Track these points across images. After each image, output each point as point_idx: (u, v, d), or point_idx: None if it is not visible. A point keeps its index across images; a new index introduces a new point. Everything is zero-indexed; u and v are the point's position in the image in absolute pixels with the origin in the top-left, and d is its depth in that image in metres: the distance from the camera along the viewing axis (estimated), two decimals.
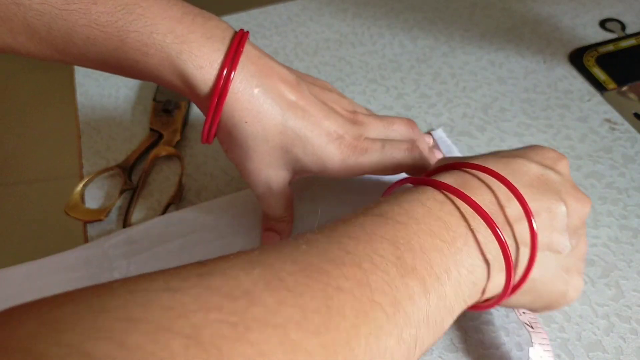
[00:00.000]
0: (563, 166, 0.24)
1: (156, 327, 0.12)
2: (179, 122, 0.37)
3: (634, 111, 0.37)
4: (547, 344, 0.25)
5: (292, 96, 0.25)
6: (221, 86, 0.23)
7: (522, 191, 0.21)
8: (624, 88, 0.39)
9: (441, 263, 0.19)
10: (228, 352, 0.12)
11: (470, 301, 0.20)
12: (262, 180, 0.26)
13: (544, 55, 0.41)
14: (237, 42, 0.24)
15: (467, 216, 0.20)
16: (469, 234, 0.20)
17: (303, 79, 0.27)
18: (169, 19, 0.23)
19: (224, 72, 0.23)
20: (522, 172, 0.22)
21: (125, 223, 0.32)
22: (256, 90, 0.24)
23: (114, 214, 0.33)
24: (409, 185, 0.22)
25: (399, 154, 0.27)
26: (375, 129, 0.28)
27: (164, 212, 0.33)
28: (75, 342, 0.11)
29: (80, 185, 0.34)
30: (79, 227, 0.33)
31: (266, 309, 0.14)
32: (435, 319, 0.18)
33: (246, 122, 0.24)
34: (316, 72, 0.41)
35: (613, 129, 0.36)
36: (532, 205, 0.21)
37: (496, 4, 0.46)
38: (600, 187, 0.33)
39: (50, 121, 1.22)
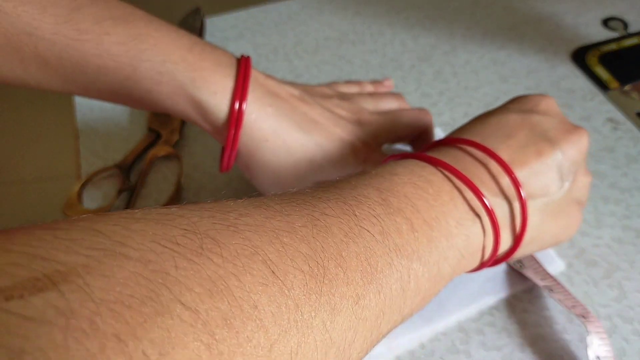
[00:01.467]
0: (546, 105, 0.24)
1: (156, 222, 0.13)
2: (177, 121, 0.37)
3: (636, 110, 0.37)
4: (603, 332, 0.25)
5: (302, 109, 0.26)
6: (237, 109, 0.24)
7: (502, 145, 0.22)
8: (627, 87, 0.38)
9: (427, 210, 0.19)
10: (222, 241, 0.13)
11: (468, 255, 0.20)
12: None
13: (546, 54, 0.41)
14: (244, 67, 0.25)
15: (452, 179, 0.21)
16: (454, 191, 0.20)
17: (306, 91, 0.28)
18: (180, 48, 0.24)
19: (238, 96, 0.24)
20: (500, 126, 0.23)
21: None
22: (270, 109, 0.25)
23: None
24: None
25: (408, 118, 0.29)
26: (381, 126, 0.29)
27: None
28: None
29: (78, 186, 0.34)
30: None
31: (255, 220, 0.15)
32: (427, 259, 0.18)
33: (267, 141, 0.25)
34: (316, 70, 0.41)
35: (616, 128, 0.36)
36: (516, 156, 0.22)
37: (498, 2, 0.45)
38: (603, 187, 0.33)
39: (48, 121, 1.21)
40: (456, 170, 0.20)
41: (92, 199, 0.34)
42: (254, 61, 0.42)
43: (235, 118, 0.24)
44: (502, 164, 0.21)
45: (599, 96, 0.38)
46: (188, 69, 0.24)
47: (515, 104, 0.24)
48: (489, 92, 0.39)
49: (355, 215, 0.17)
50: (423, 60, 0.41)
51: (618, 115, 0.37)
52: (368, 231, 0.17)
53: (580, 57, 0.41)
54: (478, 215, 0.21)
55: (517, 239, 0.22)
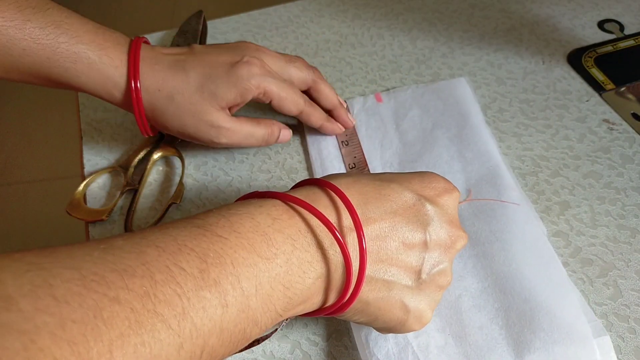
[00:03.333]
0: (447, 200, 0.24)
1: None
2: None
3: (632, 111, 0.38)
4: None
5: (185, 56, 0.31)
6: (133, 72, 0.29)
7: (377, 218, 0.21)
8: (622, 88, 0.39)
9: (252, 277, 0.19)
10: None
11: (286, 314, 0.20)
12: (208, 128, 0.31)
13: (543, 56, 0.42)
14: (136, 41, 0.30)
15: (298, 234, 0.20)
16: (294, 252, 0.20)
17: (199, 47, 0.32)
18: (89, 32, 0.29)
19: (132, 63, 0.29)
20: (391, 199, 0.22)
21: (127, 223, 0.32)
22: (157, 67, 0.30)
23: (115, 214, 0.33)
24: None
25: (295, 97, 0.32)
26: (277, 62, 0.33)
27: (165, 212, 0.33)
28: None
29: (82, 186, 0.34)
30: (80, 227, 0.34)
31: (19, 315, 0.14)
32: (232, 330, 0.18)
33: (159, 90, 0.30)
34: None
35: (611, 129, 0.37)
36: (385, 232, 0.21)
37: (495, 5, 0.46)
38: (599, 187, 0.33)
39: (52, 122, 1.22)
40: (326, 220, 0.20)
41: (95, 199, 0.34)
42: None
43: (132, 84, 0.29)
44: (358, 227, 0.21)
45: (594, 97, 0.39)
46: (97, 48, 0.29)
47: (422, 182, 0.24)
48: (486, 94, 0.39)
49: (155, 297, 0.16)
50: (421, 63, 0.42)
51: (614, 116, 0.37)
52: (162, 315, 0.16)
53: (577, 59, 0.41)
54: (313, 279, 0.20)
55: (344, 305, 0.21)
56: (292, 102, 0.32)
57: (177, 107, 0.30)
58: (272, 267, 0.19)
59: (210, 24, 0.45)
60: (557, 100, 0.39)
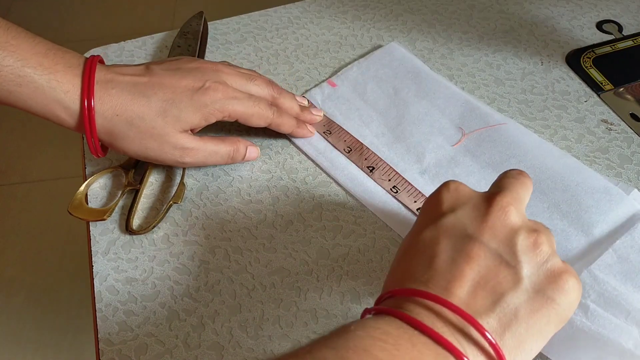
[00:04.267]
0: (450, 197, 0.22)
1: None
2: None
3: (630, 112, 0.38)
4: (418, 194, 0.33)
5: (143, 79, 0.30)
6: (86, 100, 0.29)
7: (428, 271, 0.20)
8: (621, 89, 0.39)
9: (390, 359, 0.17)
10: None
11: None
12: (172, 150, 0.31)
13: (542, 56, 0.42)
14: (90, 63, 0.30)
15: (406, 328, 0.19)
16: (414, 338, 0.18)
17: (156, 63, 0.32)
18: (37, 54, 0.28)
19: (85, 90, 0.29)
20: (419, 251, 0.21)
21: (128, 223, 0.33)
22: (113, 91, 0.29)
23: (116, 214, 0.34)
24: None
25: (263, 110, 0.32)
26: (237, 80, 0.32)
27: (166, 212, 0.33)
28: None
29: (84, 186, 0.35)
30: (82, 227, 0.34)
31: None
32: None
33: (117, 115, 0.29)
34: (316, 73, 0.42)
35: (610, 129, 0.37)
36: (446, 274, 0.20)
37: (494, 7, 0.46)
38: None
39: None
40: (452, 346, 0.18)
41: (97, 199, 0.35)
42: (256, 63, 0.43)
43: (85, 108, 0.29)
44: (477, 327, 0.19)
45: (593, 98, 0.39)
46: (44, 72, 0.28)
47: (422, 216, 0.23)
48: (485, 95, 0.39)
49: None
50: (426, 65, 0.42)
51: (612, 116, 0.38)
52: None
53: (575, 59, 0.41)
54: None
55: None
56: (260, 117, 0.33)
57: (138, 131, 0.30)
58: (405, 351, 0.18)
59: (211, 25, 0.46)
60: (555, 101, 0.39)
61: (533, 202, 0.31)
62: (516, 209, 0.21)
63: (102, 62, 0.31)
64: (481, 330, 0.19)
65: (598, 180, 0.32)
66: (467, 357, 0.18)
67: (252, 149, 0.35)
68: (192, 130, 0.32)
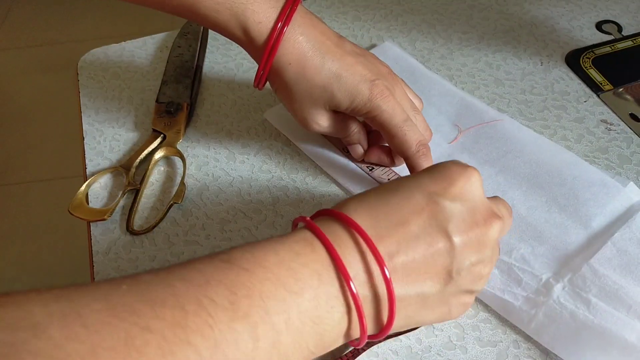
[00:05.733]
0: (462, 187, 0.22)
1: None
2: (182, 123, 0.38)
3: (630, 112, 0.38)
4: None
5: (331, 45, 0.30)
6: (275, 36, 0.28)
7: (391, 232, 0.21)
8: (620, 89, 0.39)
9: (281, 312, 0.18)
10: None
11: (318, 350, 0.20)
12: (309, 119, 0.31)
13: (541, 57, 0.42)
14: (291, 2, 0.29)
15: (322, 268, 0.20)
16: (320, 286, 0.19)
17: (348, 41, 0.31)
18: None
19: (278, 26, 0.28)
20: (398, 208, 0.21)
21: (128, 223, 0.33)
22: (300, 38, 0.29)
23: (117, 214, 0.34)
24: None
25: (413, 133, 0.30)
26: (403, 97, 0.31)
27: (167, 212, 0.33)
28: None
29: (84, 186, 0.35)
30: (82, 227, 0.34)
31: (49, 343, 0.14)
32: None
33: (290, 64, 0.29)
34: None
35: (609, 129, 0.37)
36: (401, 247, 0.21)
37: (494, 7, 0.46)
38: None
39: (54, 122, 1.22)
40: (341, 264, 0.20)
41: (97, 199, 0.35)
42: (255, 65, 0.42)
43: (271, 43, 0.28)
44: (378, 258, 0.20)
45: (592, 98, 0.39)
46: (241, 1, 0.28)
47: (432, 178, 0.23)
48: (485, 95, 0.40)
49: (187, 327, 0.16)
50: (420, 64, 0.42)
51: (612, 116, 0.38)
52: (195, 346, 0.16)
53: (575, 59, 0.41)
54: (345, 311, 0.20)
55: (382, 330, 0.21)
56: (401, 144, 0.30)
57: (296, 83, 0.29)
58: (301, 301, 0.19)
59: None
60: (555, 101, 0.39)
61: (531, 197, 0.32)
62: (497, 238, 0.23)
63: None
64: (373, 247, 0.20)
65: (594, 174, 0.32)
66: (340, 254, 0.20)
67: (359, 147, 0.33)
68: (334, 112, 0.31)
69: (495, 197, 0.26)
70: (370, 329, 0.21)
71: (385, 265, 0.20)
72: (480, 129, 0.36)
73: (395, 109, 0.29)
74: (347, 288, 0.20)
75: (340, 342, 0.21)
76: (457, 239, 0.21)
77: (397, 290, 0.21)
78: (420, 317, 0.23)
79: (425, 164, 0.30)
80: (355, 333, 0.21)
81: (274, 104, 0.39)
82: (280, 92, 0.31)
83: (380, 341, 0.24)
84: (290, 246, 0.20)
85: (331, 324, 0.20)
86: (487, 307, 0.28)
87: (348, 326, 0.20)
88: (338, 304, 0.20)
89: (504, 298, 0.28)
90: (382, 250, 0.21)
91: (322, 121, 0.31)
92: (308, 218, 0.22)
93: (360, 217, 0.21)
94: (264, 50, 0.29)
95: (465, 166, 0.23)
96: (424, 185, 0.22)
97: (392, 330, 0.22)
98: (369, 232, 0.21)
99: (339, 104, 0.30)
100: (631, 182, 0.32)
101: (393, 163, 0.34)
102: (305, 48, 0.29)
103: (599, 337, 0.25)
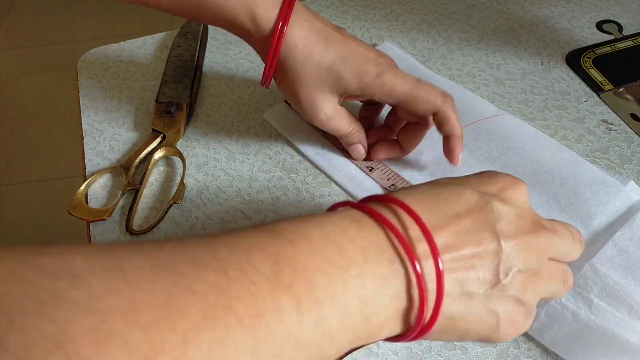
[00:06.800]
0: (513, 193, 0.22)
1: None
2: (181, 123, 0.38)
3: (630, 112, 0.38)
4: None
5: (332, 31, 0.31)
6: (283, 18, 0.29)
7: (444, 224, 0.20)
8: (621, 89, 0.39)
9: (326, 287, 0.17)
10: (20, 324, 0.12)
11: (364, 335, 0.19)
12: (316, 106, 0.31)
13: (542, 57, 0.42)
14: None
15: (370, 246, 0.19)
16: (367, 265, 0.18)
17: (343, 29, 0.32)
18: None
19: (285, 11, 0.29)
20: (452, 201, 0.21)
21: (128, 223, 0.33)
22: (305, 24, 0.30)
23: (116, 214, 0.34)
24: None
25: (431, 88, 0.30)
26: (406, 73, 0.31)
27: (167, 212, 0.33)
28: None
29: (84, 186, 0.35)
30: (82, 227, 0.34)
31: (89, 293, 0.14)
32: (307, 342, 0.17)
33: (296, 47, 0.30)
34: None
35: (610, 129, 0.37)
36: (453, 240, 0.20)
37: (494, 7, 0.46)
38: None
39: (54, 122, 1.22)
40: (405, 241, 0.19)
41: (97, 199, 0.35)
42: (256, 64, 0.42)
43: (278, 27, 0.29)
44: (432, 247, 0.19)
45: (593, 98, 0.39)
46: None
47: (481, 181, 0.22)
48: (485, 95, 0.39)
49: (230, 293, 0.15)
50: (420, 64, 0.42)
51: (612, 116, 0.38)
52: (236, 313, 0.15)
53: (575, 59, 0.41)
54: (389, 296, 0.19)
55: (426, 327, 0.20)
56: (426, 103, 0.30)
57: (302, 67, 0.30)
58: (346, 277, 0.18)
59: (211, 25, 0.46)
60: (555, 101, 0.39)
61: (532, 195, 0.31)
62: (548, 252, 0.22)
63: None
64: (430, 239, 0.19)
65: (595, 172, 0.32)
66: (409, 241, 0.19)
67: (361, 147, 0.34)
68: (345, 98, 0.32)
69: (552, 219, 0.24)
70: (413, 319, 0.20)
71: (440, 257, 0.19)
72: (481, 126, 0.35)
73: (404, 77, 0.31)
74: (399, 268, 0.19)
75: (385, 331, 0.19)
76: (504, 241, 0.21)
77: (446, 282, 0.20)
78: (465, 324, 0.20)
79: (455, 115, 0.31)
80: (401, 324, 0.20)
81: (274, 104, 0.39)
82: (285, 81, 0.31)
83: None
84: (335, 222, 0.19)
85: (378, 306, 0.18)
86: None
87: (395, 313, 0.19)
88: (386, 286, 0.19)
89: None
90: (436, 240, 0.20)
91: (328, 109, 0.31)
92: (354, 201, 0.21)
93: (410, 202, 0.20)
94: (272, 36, 0.29)
95: (512, 177, 0.23)
96: (474, 185, 0.22)
97: (432, 338, 0.21)
98: (422, 219, 0.20)
99: (347, 84, 0.30)
100: (631, 181, 0.32)
101: (403, 151, 0.34)
102: (310, 31, 0.30)
103: (601, 338, 0.25)
